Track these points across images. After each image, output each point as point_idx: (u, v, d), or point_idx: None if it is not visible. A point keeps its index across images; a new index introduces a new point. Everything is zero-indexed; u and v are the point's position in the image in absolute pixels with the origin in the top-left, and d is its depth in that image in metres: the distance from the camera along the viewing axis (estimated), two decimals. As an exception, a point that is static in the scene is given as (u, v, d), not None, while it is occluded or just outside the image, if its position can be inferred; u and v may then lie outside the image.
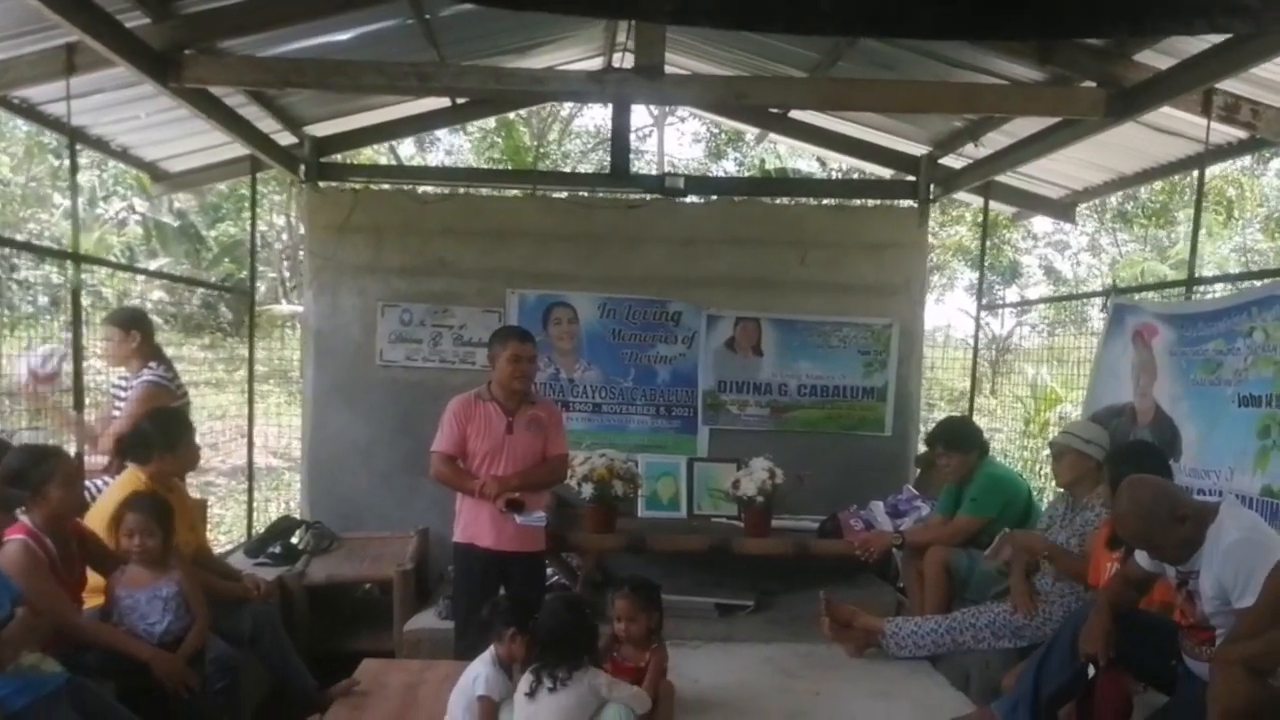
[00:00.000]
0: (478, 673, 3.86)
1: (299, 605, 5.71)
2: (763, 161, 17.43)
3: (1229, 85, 4.83)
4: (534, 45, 6.74)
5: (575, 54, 7.26)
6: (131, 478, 4.71)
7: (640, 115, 19.28)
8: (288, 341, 16.27)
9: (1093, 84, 5.11)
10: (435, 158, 20.51)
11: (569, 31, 6.58)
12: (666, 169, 16.65)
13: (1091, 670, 3.91)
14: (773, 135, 8.30)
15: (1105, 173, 6.75)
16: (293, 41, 5.50)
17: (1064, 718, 4.10)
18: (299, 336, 16.68)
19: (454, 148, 20.60)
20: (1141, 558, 3.91)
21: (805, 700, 4.53)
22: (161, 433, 4.80)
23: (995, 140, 6.49)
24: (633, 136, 19.95)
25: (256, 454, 7.79)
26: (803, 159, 18.83)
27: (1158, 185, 14.43)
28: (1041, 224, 18.74)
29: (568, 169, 17.39)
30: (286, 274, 20.58)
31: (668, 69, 5.22)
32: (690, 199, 7.43)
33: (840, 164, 17.40)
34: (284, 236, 20.78)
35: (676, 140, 21.47)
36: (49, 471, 3.98)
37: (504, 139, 17.29)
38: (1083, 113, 5.12)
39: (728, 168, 18.57)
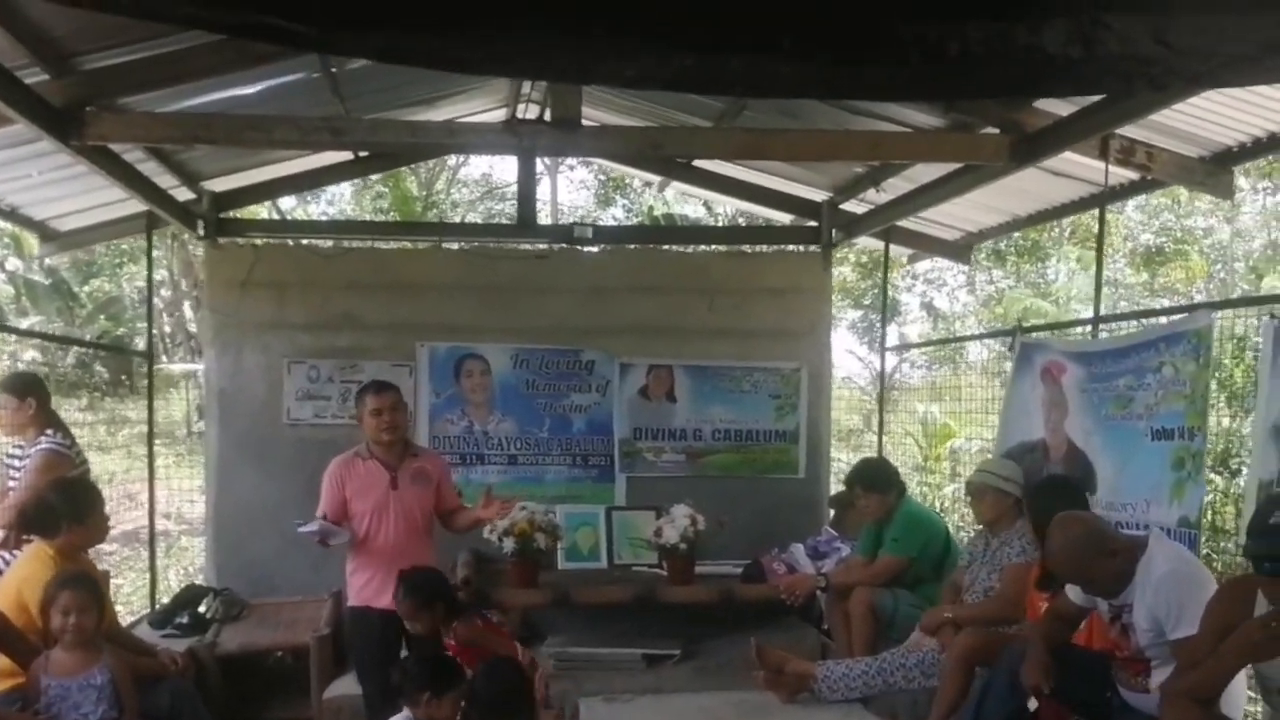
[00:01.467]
0: None
1: (212, 676, 5.45)
2: (651, 208, 17.57)
3: (1124, 130, 5.04)
4: (439, 97, 6.68)
5: (480, 105, 7.23)
6: (38, 552, 4.47)
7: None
8: (172, 400, 15.80)
9: (995, 130, 5.29)
10: (317, 209, 20.18)
11: (475, 84, 6.55)
12: (570, 219, 16.68)
13: (1033, 704, 3.99)
14: (672, 183, 8.38)
15: (1000, 215, 6.98)
16: (195, 96, 5.35)
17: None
18: (186, 394, 16.31)
19: (335, 197, 20.32)
20: (1073, 593, 4.00)
21: (745, 750, 4.51)
22: (69, 503, 4.57)
23: (896, 185, 6.65)
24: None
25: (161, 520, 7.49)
26: (689, 204, 19.06)
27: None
28: (921, 262, 19.32)
29: (457, 218, 17.31)
30: (168, 330, 19.94)
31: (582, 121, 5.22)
32: (599, 248, 7.43)
33: (727, 209, 17.73)
34: (163, 292, 20.16)
35: (566, 188, 21.58)
36: None
37: (391, 188, 17.10)
38: (987, 158, 5.29)
39: (617, 214, 18.71)
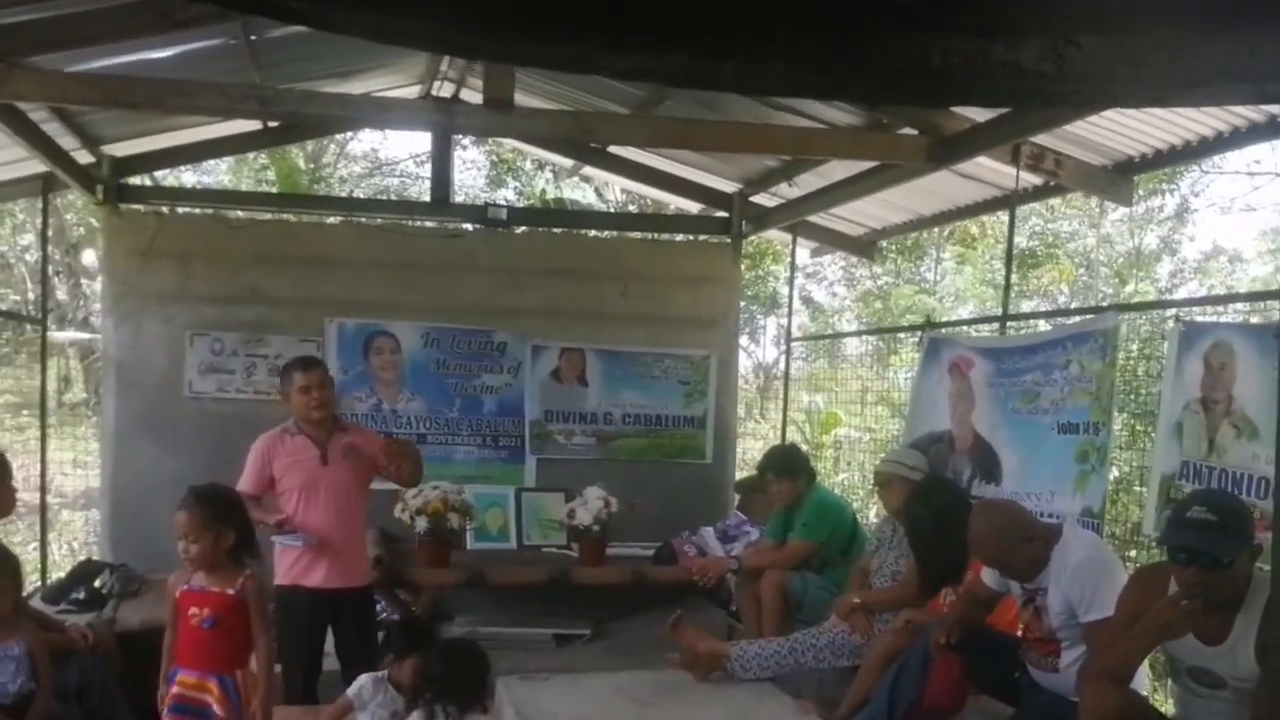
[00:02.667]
0: (361, 681, 3.75)
1: (111, 654, 5.30)
2: (543, 191, 17.49)
3: (1036, 137, 5.27)
4: (356, 70, 6.57)
5: (395, 80, 7.12)
6: None
7: (420, 142, 19.00)
8: (32, 370, 15.09)
9: (914, 131, 5.46)
10: (192, 179, 19.46)
11: (392, 58, 6.46)
12: (462, 199, 16.40)
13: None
14: (586, 168, 8.41)
15: (906, 213, 7.19)
16: (104, 58, 5.16)
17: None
18: (60, 365, 15.61)
19: (212, 166, 19.58)
20: (988, 576, 4.19)
21: (665, 728, 4.59)
22: None
23: (807, 181, 6.80)
24: (411, 163, 19.54)
25: (26, 492, 7.17)
26: (579, 190, 19.04)
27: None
28: (800, 256, 19.76)
29: (345, 194, 16.93)
30: (31, 296, 19.01)
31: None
32: (512, 229, 7.40)
33: (618, 195, 17.78)
34: (29, 256, 19.19)
35: (458, 168, 21.25)
36: None
37: (276, 161, 16.58)
38: (906, 159, 5.46)
39: (508, 196, 18.54)
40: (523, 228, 7.48)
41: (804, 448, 12.70)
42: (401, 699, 3.82)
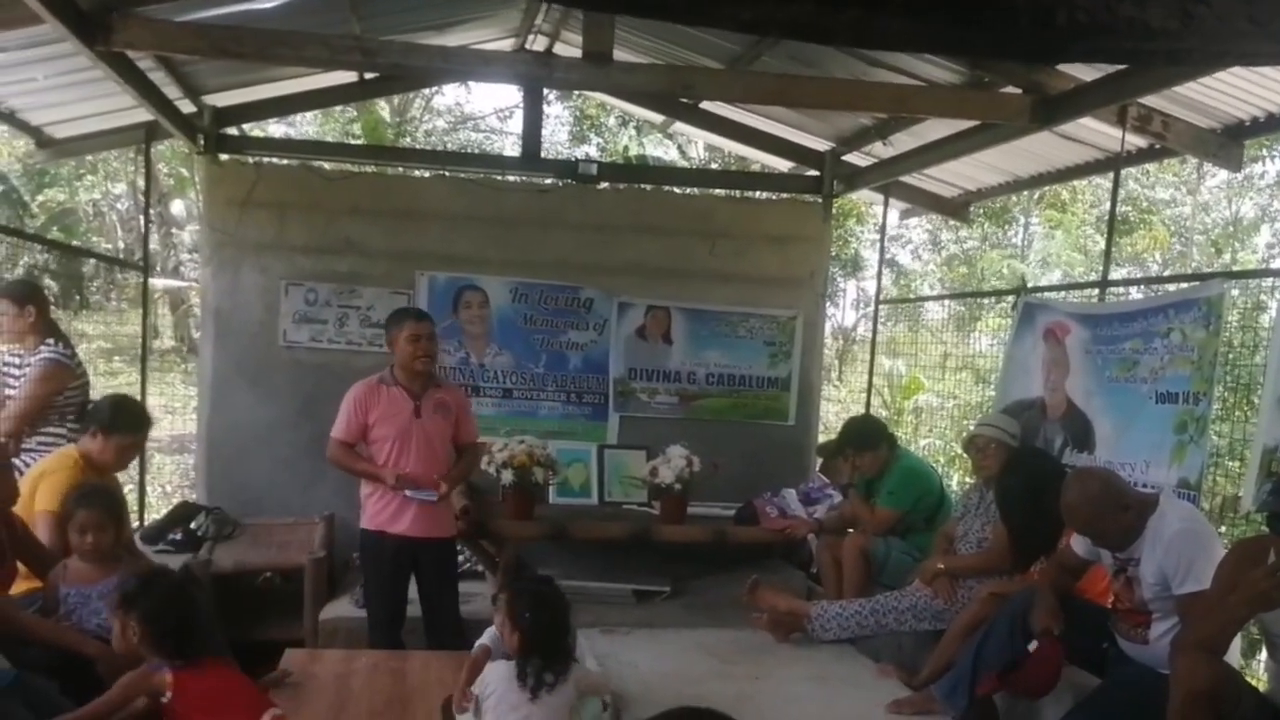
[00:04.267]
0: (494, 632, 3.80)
1: (207, 594, 5.48)
2: (626, 148, 17.45)
3: (1143, 98, 5.11)
4: (451, 23, 6.61)
5: (489, 34, 7.15)
6: (64, 453, 4.57)
7: (504, 97, 19.07)
8: (126, 317, 15.52)
9: (1018, 90, 5.34)
10: (279, 131, 19.72)
11: (488, 11, 6.48)
12: (546, 153, 16.35)
13: (1033, 645, 4.12)
14: (675, 123, 8.36)
15: (1002, 175, 7.05)
16: (211, 8, 5.25)
17: (1006, 696, 4.31)
18: (154, 310, 16.03)
19: (299, 119, 19.83)
20: (1078, 544, 4.14)
21: (747, 684, 4.59)
22: (111, 412, 4.63)
23: (901, 140, 6.69)
24: (494, 118, 19.64)
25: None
26: (662, 147, 18.96)
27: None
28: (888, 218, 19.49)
29: (430, 148, 17.05)
30: (121, 245, 19.53)
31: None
32: (601, 186, 7.38)
33: (701, 152, 17.68)
34: (120, 205, 19.71)
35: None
36: None
37: (363, 114, 16.78)
38: (1008, 118, 5.34)
39: (591, 152, 18.51)
40: (611, 184, 7.43)
41: (883, 413, 12.72)
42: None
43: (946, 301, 11.97)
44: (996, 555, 4.88)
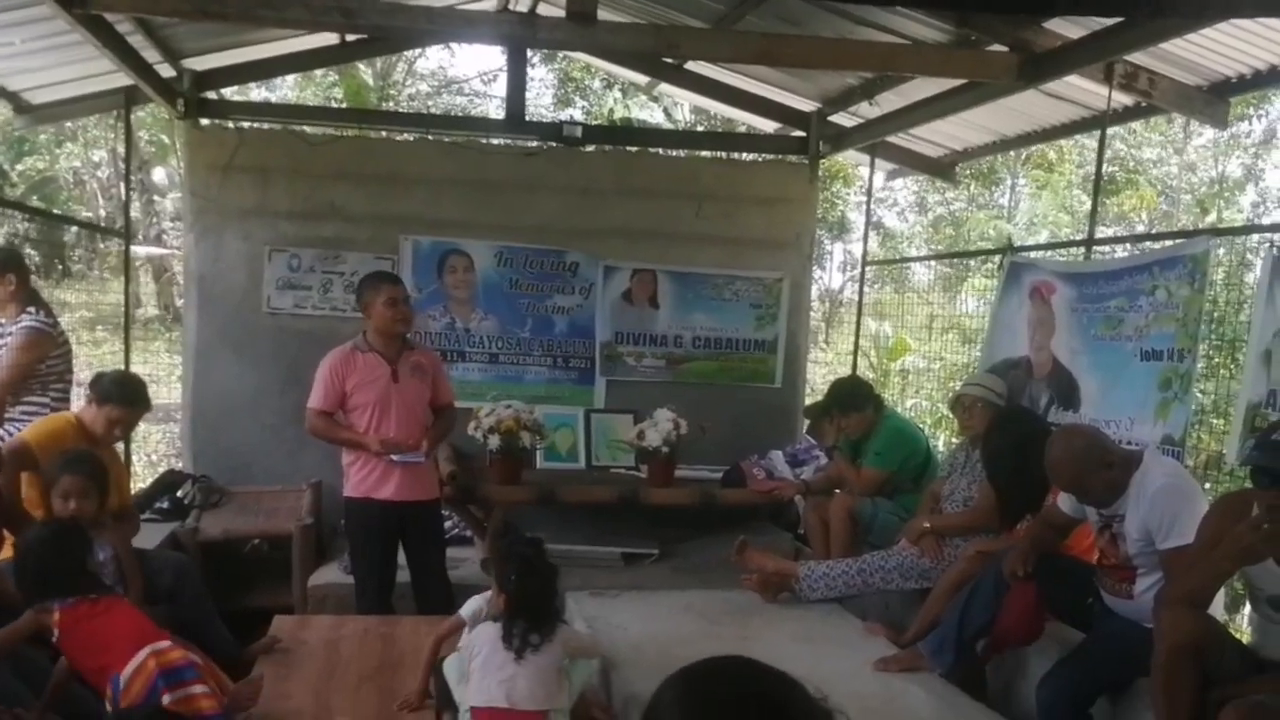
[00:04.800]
0: (474, 600, 3.83)
1: (194, 561, 5.47)
2: (611, 111, 17.33)
3: (1129, 56, 5.08)
4: (432, -16, 6.53)
5: (467, -7, 7.06)
6: (59, 415, 4.68)
7: (488, 60, 18.89)
8: (107, 286, 15.38)
9: (1003, 48, 5.29)
10: (259, 94, 19.52)
11: (469, -29, 6.41)
12: (531, 116, 16.19)
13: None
14: (660, 84, 8.29)
15: (988, 134, 7.01)
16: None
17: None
18: (131, 277, 15.91)
19: (279, 83, 19.62)
20: (1064, 502, 4.16)
21: (736, 645, 4.57)
22: (109, 383, 4.66)
23: (888, 100, 6.65)
24: (478, 81, 19.45)
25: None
26: (647, 110, 18.83)
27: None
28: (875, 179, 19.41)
29: (412, 110, 16.90)
30: (103, 212, 19.36)
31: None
32: (587, 148, 7.32)
33: (687, 114, 17.56)
34: (100, 173, 19.52)
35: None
36: None
37: (344, 78, 16.60)
38: (994, 76, 5.29)
39: (576, 115, 18.39)
40: (597, 147, 7.39)
41: (870, 375, 12.75)
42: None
43: (933, 263, 11.98)
44: (983, 513, 4.90)
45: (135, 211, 18.52)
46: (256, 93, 17.92)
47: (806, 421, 7.07)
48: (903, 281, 12.91)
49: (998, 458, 4.67)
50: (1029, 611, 4.09)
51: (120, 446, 6.35)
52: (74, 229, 16.43)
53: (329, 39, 6.87)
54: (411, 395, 4.94)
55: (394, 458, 4.79)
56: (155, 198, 19.69)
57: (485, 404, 5.89)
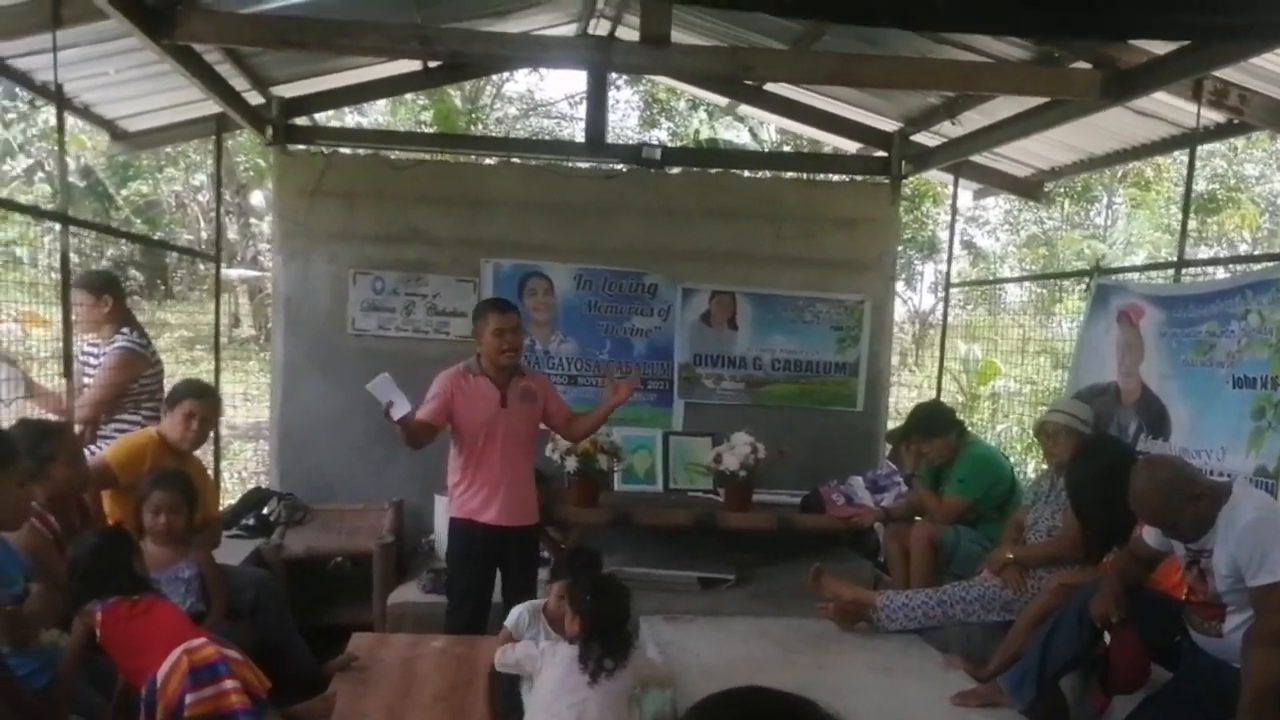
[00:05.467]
0: (517, 611, 3.88)
1: (278, 578, 5.57)
2: (697, 132, 17.35)
3: (1219, 72, 4.92)
4: (513, 10, 6.60)
5: (551, 19, 7.12)
6: (143, 432, 4.82)
7: (575, 83, 19.06)
8: (205, 306, 15.81)
9: (1087, 65, 5.17)
10: (352, 121, 19.95)
11: (548, -2, 6.47)
12: (617, 140, 16.29)
13: (1108, 638, 4.02)
14: (740, 105, 8.27)
15: (1076, 153, 6.85)
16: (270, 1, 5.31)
17: (1075, 688, 4.22)
18: (233, 301, 16.38)
19: (369, 108, 20.02)
20: (1150, 535, 4.01)
21: (810, 674, 4.54)
22: (193, 385, 4.90)
23: (971, 119, 6.54)
24: (566, 104, 19.65)
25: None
26: (733, 130, 18.80)
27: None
28: (962, 199, 19.08)
29: (501, 135, 17.10)
30: (204, 235, 19.91)
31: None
32: (666, 170, 7.32)
33: (773, 135, 17.50)
34: (201, 196, 20.09)
35: (609, 108, 21.15)
36: (54, 449, 3.85)
37: (434, 102, 16.89)
38: (1078, 94, 5.16)
39: (662, 137, 18.44)
40: (676, 168, 7.38)
41: (959, 399, 12.50)
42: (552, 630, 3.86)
43: (1027, 284, 11.71)
44: (1067, 544, 4.78)
45: (233, 234, 19.04)
46: (350, 118, 18.34)
47: (888, 447, 6.97)
48: (995, 302, 12.67)
49: (1081, 488, 4.55)
50: (1135, 655, 3.94)
51: (209, 462, 6.55)
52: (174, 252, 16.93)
53: (413, 65, 6.98)
54: (518, 421, 4.93)
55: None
56: (253, 221, 20.20)
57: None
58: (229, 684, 3.23)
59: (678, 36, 6.46)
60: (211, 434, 6.83)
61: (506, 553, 4.95)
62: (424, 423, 4.81)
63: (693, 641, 4.86)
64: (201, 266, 17.05)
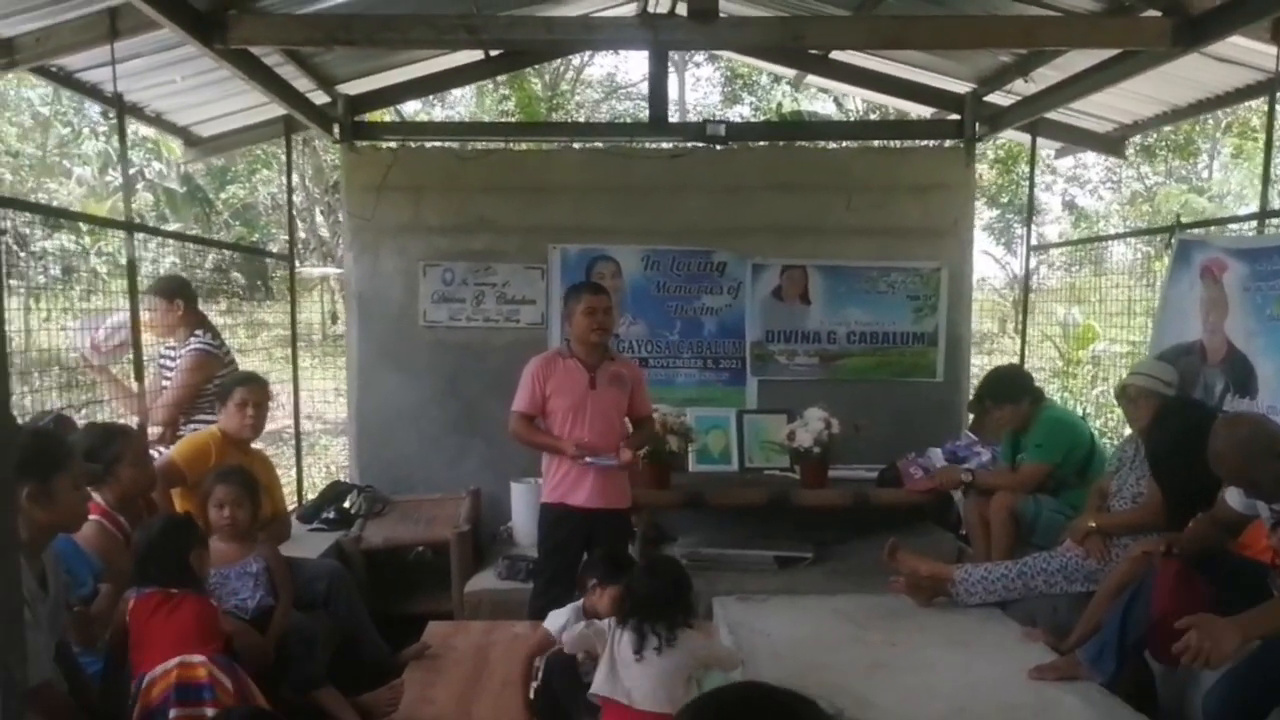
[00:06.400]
0: (559, 613, 3.88)
1: (357, 569, 5.67)
2: (779, 105, 17.15)
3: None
4: (569, -7, 6.58)
5: (608, 0, 7.07)
6: (207, 431, 4.96)
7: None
8: (304, 304, 16.19)
9: (1157, 13, 4.95)
10: (439, 112, 20.19)
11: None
12: (694, 116, 16.14)
13: None
14: (807, 77, 8.11)
15: (1158, 105, 6.56)
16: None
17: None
18: (321, 298, 16.74)
19: (457, 100, 20.26)
20: (1232, 497, 3.85)
21: (882, 651, 4.45)
22: (240, 374, 5.15)
23: (1045, 75, 6.31)
24: (646, 84, 19.72)
25: (291, 419, 7.70)
26: (819, 101, 18.53)
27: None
28: (1064, 160, 18.47)
29: (582, 119, 17.14)
30: (301, 235, 20.37)
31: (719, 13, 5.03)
32: (731, 146, 7.23)
33: (859, 105, 17.20)
34: (295, 197, 20.51)
35: (692, 87, 21.08)
36: (120, 451, 3.95)
37: (515, 90, 17.01)
38: (1148, 43, 4.95)
39: (744, 113, 18.29)
40: (743, 143, 7.27)
41: (1057, 364, 12.14)
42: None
43: (1132, 242, 11.27)
44: (1151, 512, 4.60)
45: (324, 232, 19.41)
46: (437, 110, 18.56)
47: (970, 417, 6.80)
48: (1099, 264, 12.24)
49: (1161, 452, 4.37)
50: (1174, 589, 3.79)
51: (289, 457, 6.68)
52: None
53: (475, 55, 7.00)
54: (607, 403, 4.96)
55: (589, 460, 4.80)
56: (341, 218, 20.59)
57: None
58: (210, 711, 3.18)
59: (734, 9, 6.39)
60: (291, 432, 7.05)
61: (597, 535, 4.95)
62: (527, 419, 4.95)
63: (764, 621, 4.79)
64: (299, 266, 17.50)
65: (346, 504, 6.35)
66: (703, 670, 3.57)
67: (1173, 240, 5.62)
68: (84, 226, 8.45)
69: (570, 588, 4.91)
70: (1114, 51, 5.47)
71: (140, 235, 5.54)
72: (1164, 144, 16.77)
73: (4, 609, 1.99)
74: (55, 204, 16.65)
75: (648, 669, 3.38)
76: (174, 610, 3.39)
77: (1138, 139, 16.24)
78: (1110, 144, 7.41)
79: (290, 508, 6.85)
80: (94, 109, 14.80)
